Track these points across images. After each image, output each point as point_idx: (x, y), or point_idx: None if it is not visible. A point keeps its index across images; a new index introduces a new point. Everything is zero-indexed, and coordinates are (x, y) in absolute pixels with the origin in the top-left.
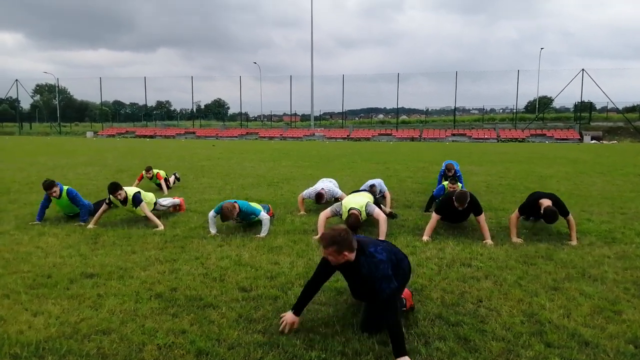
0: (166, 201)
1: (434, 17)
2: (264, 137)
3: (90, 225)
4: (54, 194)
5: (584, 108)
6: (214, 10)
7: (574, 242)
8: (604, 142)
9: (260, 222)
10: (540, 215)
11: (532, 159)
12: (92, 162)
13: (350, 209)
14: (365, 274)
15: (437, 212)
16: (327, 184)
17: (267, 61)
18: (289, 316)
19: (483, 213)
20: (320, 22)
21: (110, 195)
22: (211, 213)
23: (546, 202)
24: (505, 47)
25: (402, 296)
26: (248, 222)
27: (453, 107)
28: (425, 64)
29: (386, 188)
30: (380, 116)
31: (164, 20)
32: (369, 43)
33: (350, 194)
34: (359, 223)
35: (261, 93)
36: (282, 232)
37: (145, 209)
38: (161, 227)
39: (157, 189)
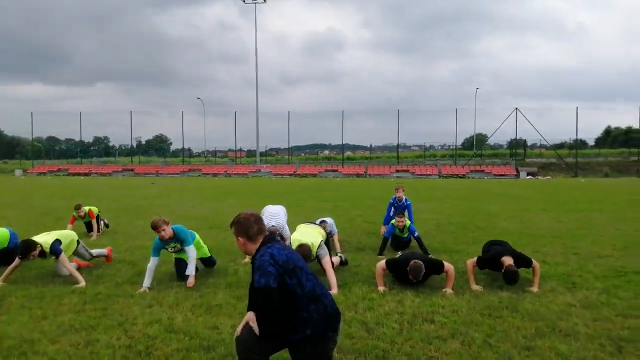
0: (94, 251)
1: (373, 56)
2: (208, 174)
3: None
4: None
5: (518, 145)
6: (155, 45)
7: (535, 289)
8: (539, 177)
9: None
10: (501, 272)
11: (475, 196)
12: (14, 204)
13: (301, 244)
14: (254, 263)
15: (386, 263)
16: (278, 220)
17: (210, 96)
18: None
19: (444, 264)
20: (265, 59)
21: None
22: (150, 262)
23: (508, 261)
24: (441, 86)
25: None
26: (180, 249)
27: (396, 144)
28: (367, 101)
29: (336, 230)
30: (326, 152)
31: (102, 55)
32: (312, 80)
33: (301, 224)
34: (310, 253)
35: (205, 128)
36: (224, 286)
37: (65, 262)
38: (82, 284)
39: (86, 233)
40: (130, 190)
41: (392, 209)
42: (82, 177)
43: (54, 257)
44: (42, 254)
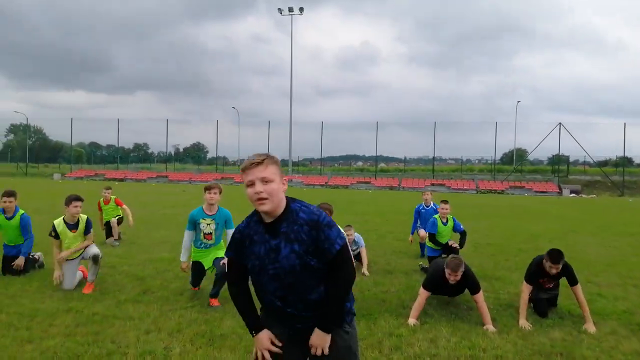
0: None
1: (407, 70)
2: (239, 183)
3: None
4: (8, 204)
5: (561, 161)
6: (192, 57)
7: (591, 328)
8: (583, 195)
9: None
10: (546, 272)
11: (515, 214)
12: (40, 210)
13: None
14: (306, 218)
15: (425, 287)
16: None
17: (245, 106)
18: (261, 340)
19: (481, 290)
20: (299, 71)
21: (66, 209)
22: (185, 237)
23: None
24: (476, 100)
25: None
26: (215, 234)
27: (431, 157)
28: (401, 114)
29: (364, 243)
30: (359, 163)
31: (143, 65)
32: (346, 92)
33: None
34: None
35: (239, 137)
36: (233, 312)
37: (90, 242)
38: (57, 274)
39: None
40: (162, 196)
41: (419, 217)
42: (116, 183)
43: (85, 236)
44: (76, 225)
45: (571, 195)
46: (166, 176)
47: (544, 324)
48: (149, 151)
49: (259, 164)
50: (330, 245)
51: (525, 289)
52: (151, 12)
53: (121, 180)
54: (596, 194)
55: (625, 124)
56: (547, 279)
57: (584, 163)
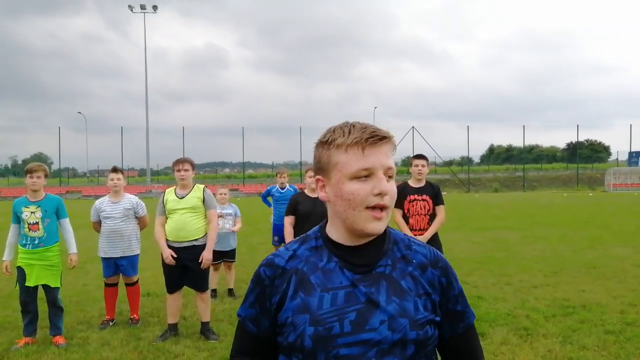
0: None
1: (257, 76)
2: (89, 196)
3: None
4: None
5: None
6: (14, 56)
7: (426, 235)
8: None
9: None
10: (411, 187)
11: None
12: None
13: None
14: (428, 254)
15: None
16: None
17: (90, 112)
18: None
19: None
20: (143, 73)
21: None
22: (11, 229)
23: None
24: (329, 105)
25: None
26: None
27: (298, 161)
28: (259, 119)
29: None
30: (226, 170)
31: None
32: (199, 97)
33: None
34: None
35: (87, 146)
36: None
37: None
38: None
39: None
40: None
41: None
42: None
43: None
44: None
45: None
46: None
47: None
48: None
49: (385, 139)
50: (465, 307)
51: (396, 213)
52: None
53: None
54: (446, 192)
55: (468, 126)
56: (415, 194)
57: (434, 163)
